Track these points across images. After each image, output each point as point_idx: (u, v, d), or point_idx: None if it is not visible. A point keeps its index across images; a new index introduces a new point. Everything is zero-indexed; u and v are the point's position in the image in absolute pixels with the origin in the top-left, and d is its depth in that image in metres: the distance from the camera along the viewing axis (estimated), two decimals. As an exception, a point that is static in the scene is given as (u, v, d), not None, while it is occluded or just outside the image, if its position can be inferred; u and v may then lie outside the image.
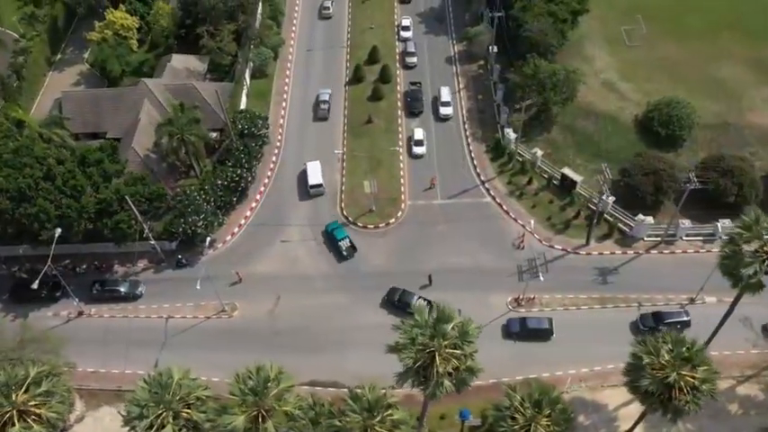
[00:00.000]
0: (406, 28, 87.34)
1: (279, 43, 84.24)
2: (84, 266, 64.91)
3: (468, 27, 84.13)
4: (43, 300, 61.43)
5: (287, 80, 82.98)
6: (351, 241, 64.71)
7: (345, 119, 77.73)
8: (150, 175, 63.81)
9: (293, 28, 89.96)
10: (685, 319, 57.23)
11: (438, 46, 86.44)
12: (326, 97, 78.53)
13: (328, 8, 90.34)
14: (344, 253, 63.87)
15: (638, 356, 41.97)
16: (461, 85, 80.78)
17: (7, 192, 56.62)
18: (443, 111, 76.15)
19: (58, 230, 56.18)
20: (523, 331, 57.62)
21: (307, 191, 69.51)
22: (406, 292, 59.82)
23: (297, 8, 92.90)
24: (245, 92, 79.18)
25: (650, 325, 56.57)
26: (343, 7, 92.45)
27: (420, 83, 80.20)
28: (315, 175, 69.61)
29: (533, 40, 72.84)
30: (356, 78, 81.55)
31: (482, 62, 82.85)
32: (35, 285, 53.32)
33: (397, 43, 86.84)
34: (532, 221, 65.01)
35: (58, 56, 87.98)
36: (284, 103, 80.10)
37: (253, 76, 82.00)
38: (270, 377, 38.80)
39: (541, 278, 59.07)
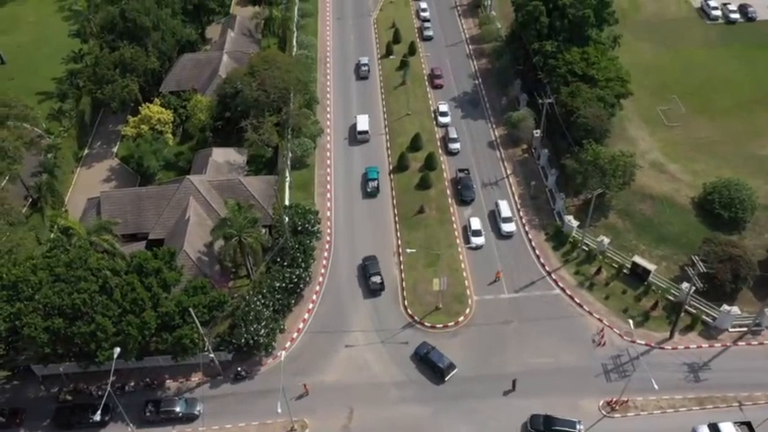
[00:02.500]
0: (443, 113, 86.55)
1: (318, 132, 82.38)
2: (133, 384, 59.40)
3: (510, 112, 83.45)
4: (91, 425, 55.49)
5: (328, 170, 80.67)
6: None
7: (395, 209, 75.16)
8: (207, 281, 59.55)
9: (328, 116, 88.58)
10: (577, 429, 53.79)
11: (477, 130, 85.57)
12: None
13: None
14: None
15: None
16: (509, 171, 79.35)
17: (60, 309, 51.83)
18: (506, 228, 70.68)
19: (117, 350, 51.19)
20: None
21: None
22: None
23: (329, 95, 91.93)
24: (287, 184, 76.48)
25: (539, 428, 53.86)
26: (376, 94, 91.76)
27: (468, 170, 78.50)
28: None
29: (588, 125, 72.09)
30: (401, 166, 79.64)
31: (525, 146, 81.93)
32: (97, 416, 47.77)
33: (436, 129, 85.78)
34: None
35: (86, 151, 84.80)
36: (329, 194, 77.41)
37: (293, 167, 79.55)
38: None
39: (655, 386, 52.11)
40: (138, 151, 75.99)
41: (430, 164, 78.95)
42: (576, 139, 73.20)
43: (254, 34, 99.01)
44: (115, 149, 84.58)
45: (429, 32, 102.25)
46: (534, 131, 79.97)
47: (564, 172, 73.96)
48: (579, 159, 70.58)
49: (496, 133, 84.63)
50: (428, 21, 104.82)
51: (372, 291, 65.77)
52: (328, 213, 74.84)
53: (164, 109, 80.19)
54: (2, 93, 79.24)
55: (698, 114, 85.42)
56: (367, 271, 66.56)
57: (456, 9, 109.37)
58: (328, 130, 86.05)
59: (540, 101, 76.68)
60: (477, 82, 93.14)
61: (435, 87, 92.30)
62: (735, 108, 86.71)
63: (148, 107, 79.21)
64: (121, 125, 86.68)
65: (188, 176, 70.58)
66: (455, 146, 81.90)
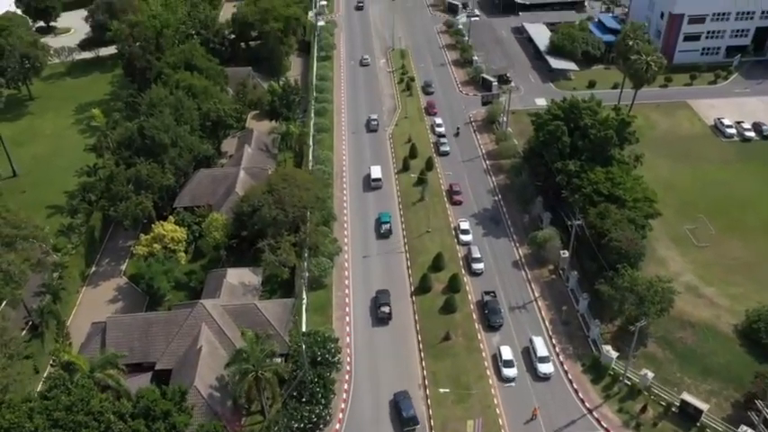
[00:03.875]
0: (465, 231, 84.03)
1: (336, 251, 79.35)
2: None
3: (535, 231, 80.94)
4: None
5: (347, 290, 76.84)
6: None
7: (419, 335, 70.58)
8: (220, 426, 53.97)
9: (345, 232, 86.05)
10: None
11: (501, 249, 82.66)
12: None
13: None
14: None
15: None
16: (537, 293, 75.59)
17: (55, 461, 46.16)
18: (543, 369, 64.95)
19: None
20: None
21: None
22: None
23: (346, 211, 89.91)
24: (304, 306, 72.38)
25: None
26: (394, 210, 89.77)
27: (494, 292, 74.76)
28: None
29: (622, 249, 69.17)
30: (423, 288, 75.95)
31: (552, 267, 78.69)
32: None
33: (458, 247, 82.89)
34: None
35: (93, 268, 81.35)
36: (347, 318, 73.11)
37: (310, 288, 75.77)
38: None
39: None
40: (149, 272, 72.48)
41: (454, 286, 75.32)
42: (609, 262, 70.01)
43: (271, 149, 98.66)
44: (124, 267, 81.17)
45: (445, 148, 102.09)
46: (561, 252, 77.04)
47: (597, 297, 70.19)
48: (615, 285, 67.05)
49: (520, 252, 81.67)
50: (444, 136, 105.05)
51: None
52: (348, 339, 70.15)
53: (177, 227, 77.60)
54: (12, 208, 76.99)
55: (728, 234, 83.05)
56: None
57: (471, 124, 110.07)
58: (346, 248, 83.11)
59: (569, 222, 74.31)
60: (496, 198, 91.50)
61: (454, 204, 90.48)
62: (764, 228, 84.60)
63: (162, 225, 76.68)
64: (132, 241, 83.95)
65: (201, 301, 66.60)
66: (479, 266, 78.64)
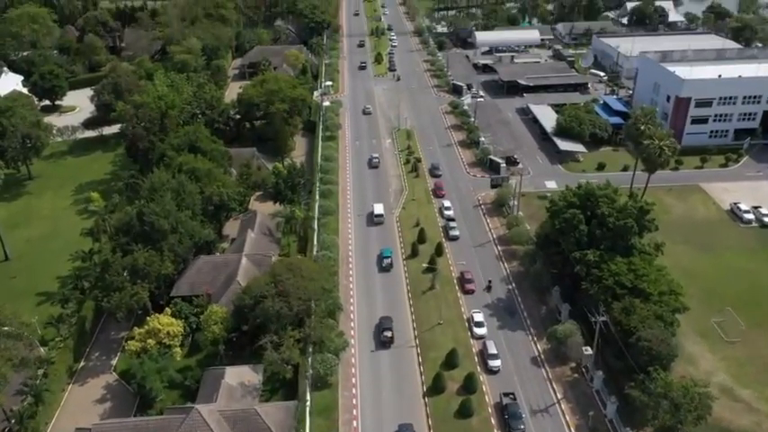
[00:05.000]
0: (479, 324, 79.23)
1: (342, 346, 74.21)
2: None
3: (554, 326, 76.12)
4: None
5: (354, 390, 71.24)
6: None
7: (434, 445, 64.59)
8: None
9: (351, 324, 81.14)
10: None
11: (517, 344, 77.56)
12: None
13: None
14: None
15: None
16: (559, 395, 69.98)
17: None
18: None
19: None
20: None
21: None
22: None
23: (352, 300, 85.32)
24: (308, 410, 66.60)
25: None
26: (403, 299, 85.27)
27: (513, 393, 69.14)
28: None
29: (653, 350, 64.27)
30: (436, 389, 70.35)
31: (574, 365, 73.42)
32: None
33: (472, 341, 77.81)
34: None
35: (81, 363, 75.87)
36: (355, 423, 67.15)
37: (314, 387, 70.16)
38: None
39: None
40: (140, 371, 67.05)
41: (469, 386, 69.80)
42: (638, 364, 64.93)
43: (275, 233, 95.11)
44: (114, 362, 75.72)
45: (455, 232, 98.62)
46: (584, 349, 72.07)
47: (625, 400, 64.65)
48: (647, 390, 61.74)
49: (539, 347, 76.56)
50: (453, 220, 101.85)
51: None
52: (356, 449, 64.16)
53: (174, 320, 72.83)
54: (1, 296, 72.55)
55: (759, 329, 78.24)
56: None
57: (480, 207, 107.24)
58: (352, 341, 78.03)
59: (592, 319, 69.68)
60: (510, 287, 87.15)
61: (466, 293, 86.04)
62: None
63: (157, 318, 71.90)
64: (124, 332, 78.88)
65: (196, 406, 60.92)
66: (495, 363, 73.35)
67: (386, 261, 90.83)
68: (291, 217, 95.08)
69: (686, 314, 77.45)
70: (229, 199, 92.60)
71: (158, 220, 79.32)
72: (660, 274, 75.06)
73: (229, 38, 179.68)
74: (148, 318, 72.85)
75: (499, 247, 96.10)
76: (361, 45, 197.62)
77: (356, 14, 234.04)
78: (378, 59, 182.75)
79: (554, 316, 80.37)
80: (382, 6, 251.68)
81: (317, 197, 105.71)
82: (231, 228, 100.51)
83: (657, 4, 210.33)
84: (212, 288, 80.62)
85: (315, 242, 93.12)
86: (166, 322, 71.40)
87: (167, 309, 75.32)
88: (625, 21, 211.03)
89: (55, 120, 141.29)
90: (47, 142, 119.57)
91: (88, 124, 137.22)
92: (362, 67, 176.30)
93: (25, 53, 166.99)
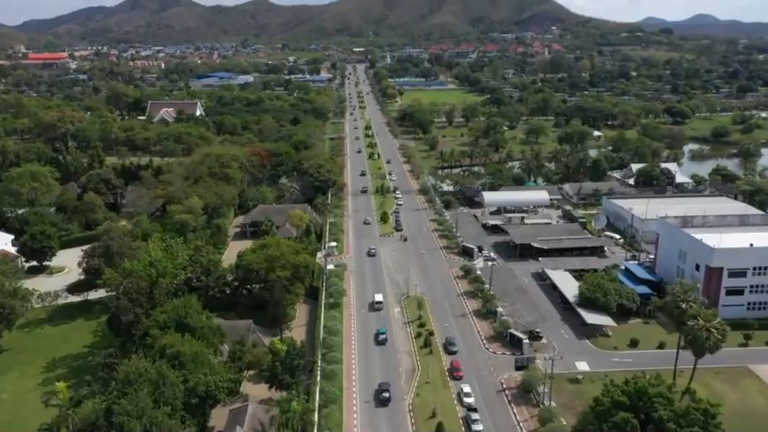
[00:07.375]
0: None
1: None
2: None
3: None
4: None
5: None
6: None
7: None
8: None
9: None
10: None
11: None
12: None
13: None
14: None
15: None
16: None
17: None
18: None
19: None
20: None
21: None
22: None
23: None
24: None
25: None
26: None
27: None
28: None
29: None
30: None
31: None
32: None
33: None
34: None
35: None
36: None
37: None
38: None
39: None
40: None
41: None
42: None
43: (267, 429, 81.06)
44: None
45: (478, 426, 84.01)
46: None
47: None
48: None
49: None
50: (474, 410, 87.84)
51: None
52: None
53: None
54: None
55: None
56: None
57: (504, 393, 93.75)
58: None
59: None
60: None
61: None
62: None
63: None
64: None
65: None
66: None
67: None
68: (288, 410, 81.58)
69: None
70: (217, 388, 79.89)
71: (129, 421, 66.34)
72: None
73: (232, 196, 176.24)
74: None
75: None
76: (363, 174, 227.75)
77: (362, 174, 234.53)
78: (383, 218, 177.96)
79: None
80: (387, 162, 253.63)
81: (318, 379, 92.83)
82: (219, 418, 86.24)
83: (663, 165, 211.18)
84: None
85: (315, 443, 78.95)
86: None
87: None
88: (631, 181, 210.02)
89: (41, 281, 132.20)
90: (22, 313, 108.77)
91: (73, 288, 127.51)
92: (367, 223, 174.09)
93: (21, 211, 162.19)
